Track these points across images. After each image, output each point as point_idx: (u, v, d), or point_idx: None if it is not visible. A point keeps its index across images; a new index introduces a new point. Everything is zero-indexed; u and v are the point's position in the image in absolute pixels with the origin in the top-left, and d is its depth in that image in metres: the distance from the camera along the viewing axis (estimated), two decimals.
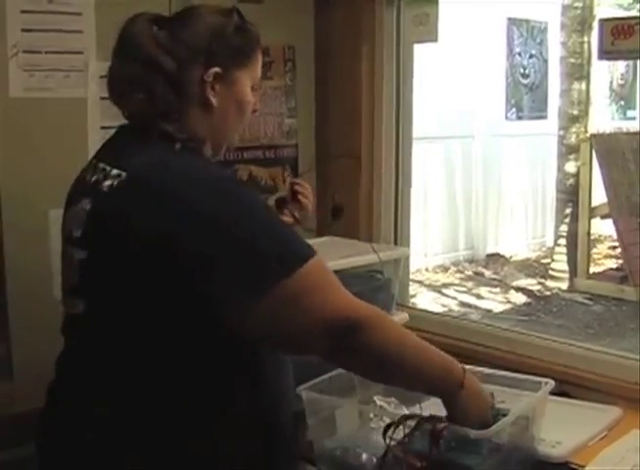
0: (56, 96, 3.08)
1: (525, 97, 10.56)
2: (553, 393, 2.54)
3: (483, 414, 1.94)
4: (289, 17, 3.64)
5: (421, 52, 3.75)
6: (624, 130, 10.11)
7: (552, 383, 2.47)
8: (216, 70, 1.88)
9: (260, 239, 1.69)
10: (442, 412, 2.01)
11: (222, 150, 2.02)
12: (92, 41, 3.15)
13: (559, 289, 9.06)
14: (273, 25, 3.40)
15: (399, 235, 3.69)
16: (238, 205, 1.73)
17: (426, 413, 2.10)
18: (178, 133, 1.86)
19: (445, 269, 9.84)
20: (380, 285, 3.27)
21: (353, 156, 3.66)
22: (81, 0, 3.13)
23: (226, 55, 1.90)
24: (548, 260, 9.83)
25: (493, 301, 8.76)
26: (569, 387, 2.86)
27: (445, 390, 1.91)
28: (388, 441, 2.03)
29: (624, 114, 11.59)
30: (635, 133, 8.93)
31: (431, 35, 3.52)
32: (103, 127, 3.09)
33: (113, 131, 2.05)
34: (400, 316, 3.34)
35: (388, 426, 2.06)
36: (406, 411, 2.27)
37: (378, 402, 2.59)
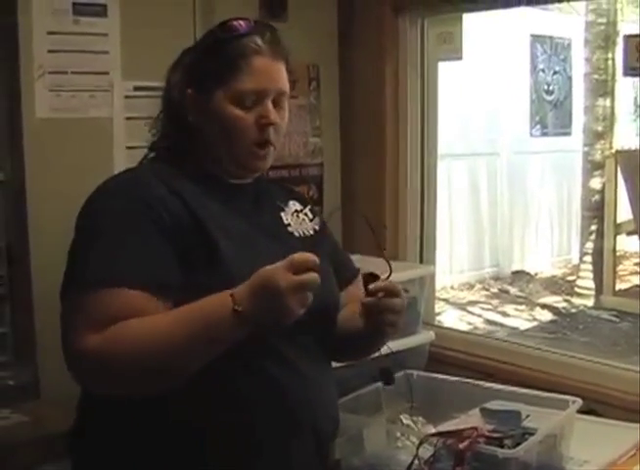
0: (82, 116, 3.11)
1: (549, 113, 10.52)
2: (581, 411, 2.53)
3: (276, 304, 1.67)
4: (313, 35, 3.66)
5: (445, 69, 3.76)
6: None
7: (579, 401, 2.46)
8: (189, 91, 1.94)
9: (72, 254, 1.85)
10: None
11: (241, 168, 1.99)
12: (117, 61, 3.18)
13: (585, 306, 9.00)
14: (297, 44, 3.38)
15: (425, 253, 3.69)
16: (80, 216, 1.89)
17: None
18: (159, 143, 2.02)
19: (471, 287, 9.80)
20: (406, 303, 3.25)
21: (378, 173, 3.67)
22: (107, 21, 3.15)
23: (198, 74, 1.94)
24: (574, 277, 9.77)
25: (519, 318, 8.71)
26: (596, 405, 2.84)
27: (228, 332, 1.71)
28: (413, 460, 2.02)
29: None
30: None
31: (455, 53, 3.53)
32: (128, 147, 3.10)
33: (138, 151, 2.09)
34: (426, 335, 3.33)
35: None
36: (433, 430, 2.27)
37: (405, 421, 2.59)
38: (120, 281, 1.73)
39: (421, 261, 3.66)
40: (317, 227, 2.11)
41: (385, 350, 2.06)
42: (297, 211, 2.12)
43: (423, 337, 3.38)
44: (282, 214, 2.08)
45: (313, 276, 1.67)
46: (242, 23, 1.93)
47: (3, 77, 3.12)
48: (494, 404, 2.81)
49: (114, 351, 1.70)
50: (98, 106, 3.14)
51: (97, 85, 3.15)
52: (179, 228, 1.80)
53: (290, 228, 2.06)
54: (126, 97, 3.19)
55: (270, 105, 1.92)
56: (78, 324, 1.75)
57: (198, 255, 1.81)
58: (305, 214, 2.13)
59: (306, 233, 2.08)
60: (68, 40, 3.10)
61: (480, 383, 2.99)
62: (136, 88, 3.16)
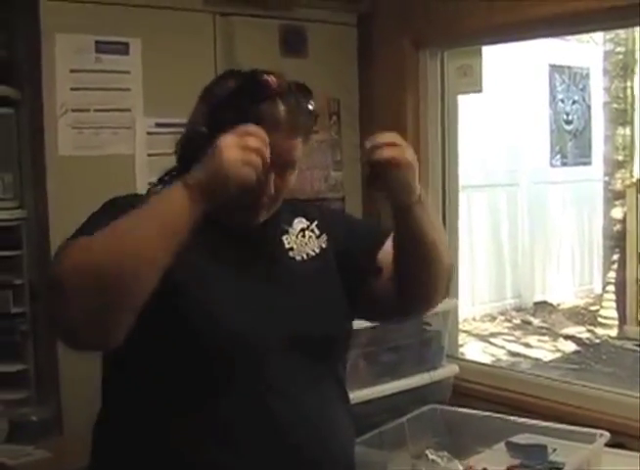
0: (104, 153, 3.13)
1: (569, 143, 10.51)
2: (608, 444, 2.51)
3: (217, 161, 1.64)
4: (333, 70, 3.67)
5: (464, 99, 3.77)
6: None
7: (607, 434, 2.44)
8: (203, 129, 1.85)
9: None
10: (495, 466, 1.99)
11: (233, 220, 1.90)
12: (139, 98, 3.20)
13: (608, 336, 8.95)
14: (318, 79, 3.41)
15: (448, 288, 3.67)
16: None
17: (478, 467, 2.07)
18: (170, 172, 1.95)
19: (493, 318, 9.76)
20: (429, 337, 3.26)
21: None
22: (129, 59, 3.18)
23: (213, 120, 1.83)
24: (596, 308, 9.72)
25: (542, 349, 8.66)
26: (623, 438, 2.81)
27: (179, 209, 1.65)
28: None
29: None
30: None
31: (475, 86, 3.54)
32: (151, 183, 3.11)
33: None
34: (451, 368, 3.32)
35: None
36: (459, 466, 2.25)
37: (430, 456, 2.58)
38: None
39: None
40: (324, 244, 2.03)
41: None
42: (302, 229, 2.04)
43: (447, 370, 3.37)
44: (284, 238, 2.00)
45: (257, 137, 1.67)
46: (270, 80, 1.81)
47: (26, 115, 3.15)
48: (520, 438, 2.80)
49: (74, 260, 1.64)
50: (120, 143, 3.16)
51: (119, 122, 3.17)
52: None
53: (291, 253, 1.99)
54: (148, 133, 3.20)
55: (272, 179, 1.83)
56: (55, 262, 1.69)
57: None
58: (312, 231, 2.05)
59: (310, 254, 2.00)
60: (91, 78, 3.12)
61: (506, 416, 2.98)
62: (158, 125, 3.17)
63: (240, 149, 1.65)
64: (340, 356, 2.03)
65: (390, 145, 1.76)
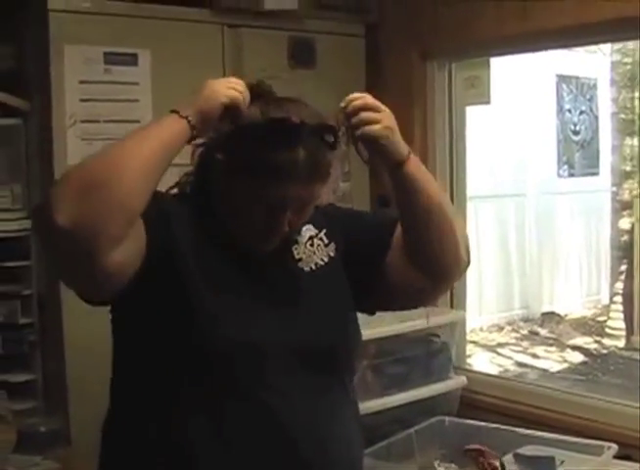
0: None
1: (576, 154, 10.49)
2: (616, 456, 2.50)
3: (205, 90, 1.74)
4: (341, 81, 3.67)
5: (471, 110, 3.77)
6: None
7: (614, 447, 2.44)
8: (219, 157, 1.85)
9: None
10: None
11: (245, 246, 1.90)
12: (148, 110, 3.20)
13: (616, 347, 8.92)
14: (326, 90, 3.43)
15: (455, 298, 3.67)
16: None
17: None
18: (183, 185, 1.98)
19: (500, 329, 9.74)
20: (437, 349, 3.26)
21: None
22: (137, 70, 3.19)
23: (233, 155, 1.82)
24: (604, 318, 9.69)
25: (550, 360, 8.64)
26: (631, 450, 2.80)
27: (167, 125, 1.71)
28: None
29: None
30: None
31: (483, 98, 3.54)
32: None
33: None
34: (458, 380, 3.32)
35: None
36: None
37: (438, 468, 2.57)
38: None
39: (451, 306, 3.64)
40: (332, 253, 2.01)
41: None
42: (311, 237, 2.02)
43: (455, 382, 3.37)
44: (294, 248, 1.98)
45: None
46: (294, 129, 1.77)
47: (36, 126, 3.16)
48: (528, 450, 2.80)
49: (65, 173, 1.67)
50: None
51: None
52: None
53: (300, 264, 1.98)
54: None
55: (286, 219, 1.82)
56: None
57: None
58: (320, 239, 2.03)
59: (319, 263, 1.99)
60: (100, 89, 3.13)
61: (514, 428, 2.97)
62: None
63: (228, 83, 1.77)
64: (347, 368, 2.02)
65: (365, 109, 1.82)
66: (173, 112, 1.71)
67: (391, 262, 2.01)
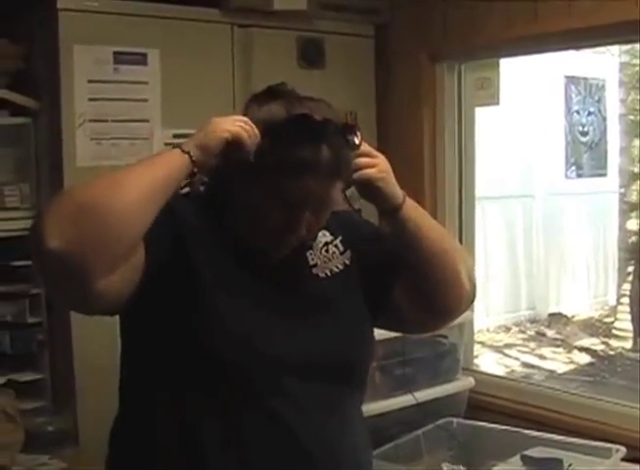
0: (122, 164, 3.10)
1: (584, 155, 10.47)
2: (625, 459, 2.50)
3: (209, 125, 1.73)
4: (351, 82, 3.68)
5: (479, 111, 3.76)
6: None
7: (623, 449, 2.43)
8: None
9: None
10: None
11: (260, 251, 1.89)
12: (157, 109, 3.21)
13: (623, 348, 8.91)
14: (335, 91, 3.42)
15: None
16: None
17: None
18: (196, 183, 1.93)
19: (507, 329, 9.73)
20: (445, 350, 3.25)
21: None
22: (147, 69, 3.19)
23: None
24: (611, 319, 9.68)
25: (556, 361, 8.63)
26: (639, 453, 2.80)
27: (182, 161, 1.69)
28: None
29: None
30: None
31: (492, 99, 3.54)
32: None
33: None
34: (466, 381, 3.32)
35: None
36: None
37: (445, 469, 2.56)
38: None
39: None
40: (348, 261, 1.98)
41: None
42: (326, 243, 1.98)
43: (462, 383, 3.36)
44: (308, 254, 1.95)
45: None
46: (317, 124, 1.75)
47: (45, 126, 3.16)
48: (535, 452, 2.80)
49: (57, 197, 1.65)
50: (138, 154, 3.14)
51: (137, 133, 3.18)
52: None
53: (315, 270, 1.94)
54: (166, 144, 3.20)
55: (305, 219, 1.80)
56: None
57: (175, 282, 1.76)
58: (336, 246, 1.99)
59: (334, 270, 1.96)
60: (109, 89, 3.13)
61: (521, 430, 2.97)
62: (175, 136, 3.16)
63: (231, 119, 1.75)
64: (360, 380, 2.00)
65: (360, 156, 1.82)
66: (175, 147, 1.70)
67: (400, 294, 1.99)
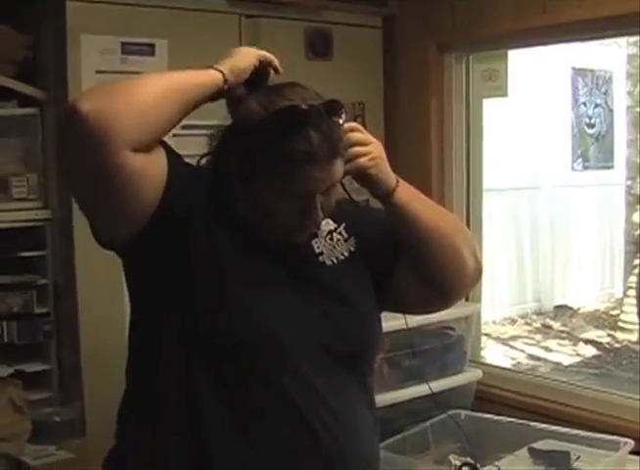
0: None
1: (591, 147, 10.45)
2: (633, 452, 2.50)
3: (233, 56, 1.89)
4: (358, 73, 3.67)
5: (486, 103, 3.76)
6: None
7: (631, 442, 2.43)
8: (232, 160, 1.84)
9: None
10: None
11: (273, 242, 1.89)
12: None
13: (629, 341, 8.89)
14: (342, 82, 3.43)
15: (471, 291, 3.66)
16: None
17: None
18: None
19: (513, 322, 9.72)
20: (452, 342, 3.25)
21: None
22: (154, 60, 3.18)
23: (248, 160, 1.80)
24: (617, 312, 9.66)
25: (562, 353, 8.62)
26: None
27: (214, 77, 1.84)
28: None
29: None
30: None
31: (500, 90, 3.53)
32: None
33: None
34: (474, 373, 3.31)
35: None
36: None
37: (453, 462, 2.56)
38: None
39: (467, 299, 3.63)
40: (352, 248, 1.99)
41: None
42: (330, 231, 1.99)
43: (470, 375, 3.36)
44: (314, 242, 1.96)
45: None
46: (299, 110, 1.75)
47: (52, 116, 3.16)
48: (543, 444, 2.79)
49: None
50: None
51: None
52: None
53: (321, 257, 1.95)
54: (174, 135, 3.19)
55: (318, 204, 1.80)
56: None
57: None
58: (340, 234, 2.00)
59: (340, 258, 1.97)
60: (117, 79, 3.09)
61: (529, 422, 2.97)
62: (184, 127, 3.14)
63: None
64: (368, 365, 2.02)
65: (353, 145, 1.85)
66: (209, 67, 1.84)
67: (402, 274, 2.02)
